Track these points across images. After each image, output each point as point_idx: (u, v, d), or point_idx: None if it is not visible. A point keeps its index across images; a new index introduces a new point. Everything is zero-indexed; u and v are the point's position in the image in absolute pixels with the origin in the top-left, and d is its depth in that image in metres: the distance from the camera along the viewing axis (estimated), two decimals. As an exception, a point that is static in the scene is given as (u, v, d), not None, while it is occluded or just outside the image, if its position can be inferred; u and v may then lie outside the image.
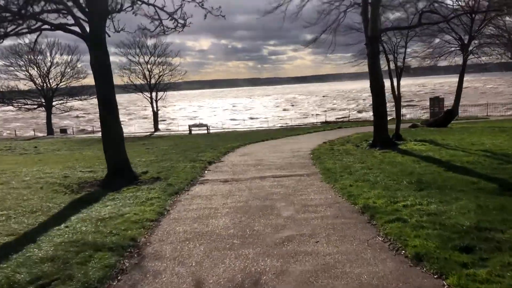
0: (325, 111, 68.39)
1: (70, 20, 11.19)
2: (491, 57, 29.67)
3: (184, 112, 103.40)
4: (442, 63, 32.21)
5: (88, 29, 11.04)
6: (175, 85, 55.72)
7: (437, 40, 28.75)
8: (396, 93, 17.35)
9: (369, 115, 47.98)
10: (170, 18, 12.90)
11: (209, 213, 7.47)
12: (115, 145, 11.26)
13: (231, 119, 69.52)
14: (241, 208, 7.63)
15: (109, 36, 11.49)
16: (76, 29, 11.13)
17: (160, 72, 52.03)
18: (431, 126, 26.59)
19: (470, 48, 26.10)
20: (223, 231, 6.40)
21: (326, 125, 41.39)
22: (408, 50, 22.89)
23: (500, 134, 18.52)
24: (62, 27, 11.00)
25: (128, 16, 14.19)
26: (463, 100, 38.58)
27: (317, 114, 61.86)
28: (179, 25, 13.17)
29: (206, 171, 12.63)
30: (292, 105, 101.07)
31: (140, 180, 11.00)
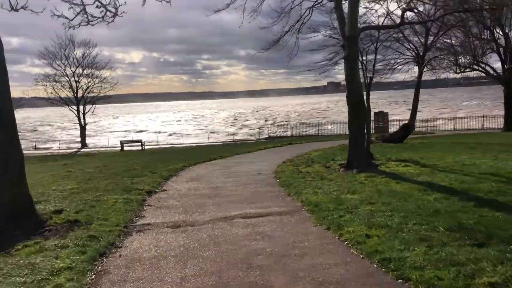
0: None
1: None
2: (437, 71, 29.16)
3: (117, 126, 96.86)
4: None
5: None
6: (105, 98, 50.69)
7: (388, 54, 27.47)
8: (366, 105, 15.15)
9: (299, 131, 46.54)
10: (97, 3, 9.61)
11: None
12: (9, 175, 7.66)
13: (168, 133, 65.26)
14: (214, 291, 4.58)
15: None
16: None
17: (88, 82, 47.08)
18: (387, 141, 25.07)
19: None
20: None
21: (270, 141, 39.15)
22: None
23: (472, 150, 17.01)
24: None
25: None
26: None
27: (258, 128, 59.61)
28: (108, 14, 9.89)
29: (145, 208, 9.33)
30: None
31: (48, 228, 7.46)
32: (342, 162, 14.05)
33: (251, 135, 56.23)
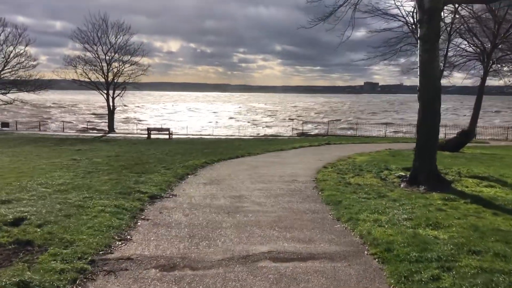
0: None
1: None
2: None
3: (155, 112, 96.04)
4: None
5: None
6: (138, 85, 48.89)
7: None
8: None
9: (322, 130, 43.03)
10: None
11: None
12: None
13: (202, 125, 63.22)
14: None
15: None
16: None
17: (120, 66, 45.38)
18: (441, 149, 21.65)
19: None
20: None
21: (305, 139, 36.15)
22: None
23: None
24: None
25: None
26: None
27: (291, 126, 56.54)
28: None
29: (139, 223, 6.76)
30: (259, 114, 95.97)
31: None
32: (402, 174, 11.06)
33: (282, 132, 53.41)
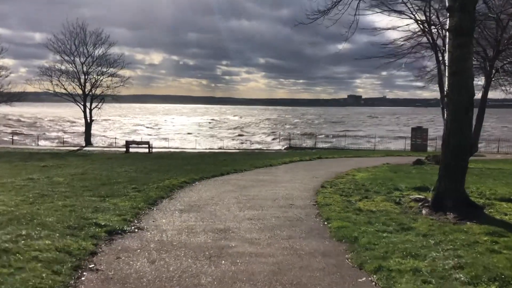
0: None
1: None
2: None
3: (116, 124, 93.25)
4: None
5: None
6: (118, 97, 46.53)
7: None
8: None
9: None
10: None
11: None
12: None
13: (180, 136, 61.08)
14: None
15: None
16: None
17: (98, 77, 43.08)
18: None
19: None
20: None
21: (293, 152, 34.41)
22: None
23: None
24: None
25: None
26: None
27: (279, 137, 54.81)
28: None
29: (83, 278, 4.77)
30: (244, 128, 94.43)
31: None
32: (419, 196, 9.27)
33: (268, 142, 51.75)
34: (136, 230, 6.89)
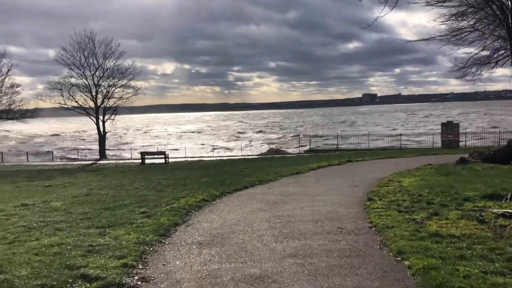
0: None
1: None
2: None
3: (151, 135, 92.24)
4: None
5: None
6: (132, 107, 45.05)
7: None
8: None
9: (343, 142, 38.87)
10: None
11: None
12: None
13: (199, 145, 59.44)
14: None
15: None
16: None
17: (110, 88, 41.65)
18: (489, 161, 17.82)
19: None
20: None
21: (314, 154, 32.17)
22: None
23: None
24: None
25: None
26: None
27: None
28: None
29: None
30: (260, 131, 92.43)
31: None
32: (509, 211, 7.13)
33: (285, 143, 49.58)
34: (139, 283, 4.96)
